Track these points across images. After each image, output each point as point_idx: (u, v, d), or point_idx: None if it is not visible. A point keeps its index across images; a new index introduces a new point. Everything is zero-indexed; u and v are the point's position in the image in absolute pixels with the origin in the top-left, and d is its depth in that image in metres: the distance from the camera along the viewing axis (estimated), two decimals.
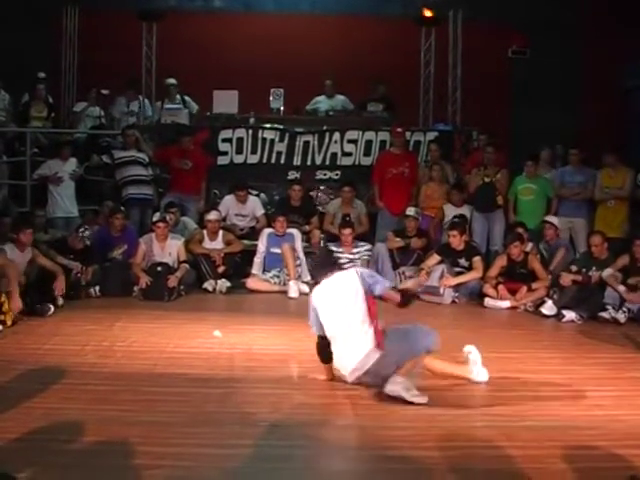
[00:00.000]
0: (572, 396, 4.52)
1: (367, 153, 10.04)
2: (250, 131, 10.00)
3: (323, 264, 5.05)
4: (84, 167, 9.55)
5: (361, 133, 10.06)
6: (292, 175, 9.97)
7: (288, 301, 7.88)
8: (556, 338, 6.57)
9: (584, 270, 7.45)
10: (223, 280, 8.25)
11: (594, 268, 7.42)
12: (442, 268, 8.02)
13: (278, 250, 8.45)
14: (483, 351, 5.65)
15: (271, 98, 10.26)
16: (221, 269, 8.35)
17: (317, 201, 9.92)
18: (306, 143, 10.02)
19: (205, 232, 8.61)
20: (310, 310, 4.64)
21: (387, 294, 4.74)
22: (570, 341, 6.35)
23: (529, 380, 4.84)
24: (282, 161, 10.05)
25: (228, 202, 9.25)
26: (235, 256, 8.59)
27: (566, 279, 7.39)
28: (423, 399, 4.22)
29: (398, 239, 8.66)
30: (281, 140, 10.01)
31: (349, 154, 10.07)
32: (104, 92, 10.85)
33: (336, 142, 10.04)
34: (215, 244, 8.55)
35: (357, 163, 10.08)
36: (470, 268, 8.11)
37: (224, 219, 9.03)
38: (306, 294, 6.91)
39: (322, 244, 8.98)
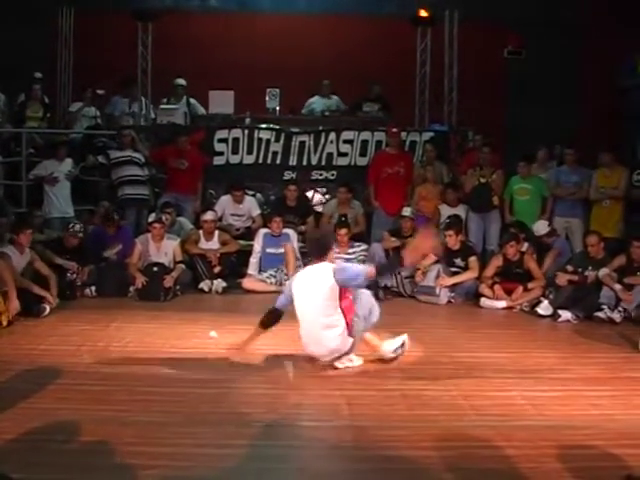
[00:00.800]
0: (568, 396, 4.52)
1: (363, 153, 10.04)
2: (246, 131, 10.00)
3: (319, 246, 5.25)
4: (80, 167, 9.55)
5: (357, 133, 10.06)
6: (288, 175, 9.97)
7: None
8: (552, 338, 6.57)
9: (580, 270, 7.46)
10: (219, 280, 8.25)
11: (590, 268, 7.43)
12: (438, 268, 8.02)
13: (274, 250, 8.46)
14: (479, 351, 5.69)
15: (267, 98, 10.27)
16: (217, 269, 8.35)
17: (313, 201, 9.92)
18: (302, 143, 10.02)
19: (201, 232, 8.61)
20: (283, 293, 5.12)
21: (364, 280, 4.88)
22: (566, 341, 6.35)
23: (525, 380, 4.84)
24: (278, 161, 10.05)
25: (224, 202, 9.25)
26: (231, 256, 8.58)
27: (562, 279, 7.41)
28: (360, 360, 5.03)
29: (394, 239, 8.65)
30: (277, 140, 10.01)
31: (345, 154, 10.07)
32: (100, 92, 10.85)
33: (332, 142, 10.04)
34: (211, 244, 8.55)
35: (353, 163, 10.08)
36: (466, 268, 8.12)
37: (220, 219, 9.03)
38: None
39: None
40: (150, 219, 8.33)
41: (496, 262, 8.01)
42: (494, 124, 11.14)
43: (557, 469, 3.37)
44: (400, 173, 9.42)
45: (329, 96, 11.03)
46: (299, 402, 4.34)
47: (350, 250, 8.51)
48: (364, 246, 8.66)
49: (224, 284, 8.20)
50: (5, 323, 6.03)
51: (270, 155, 10.02)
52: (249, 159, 10.02)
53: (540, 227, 8.30)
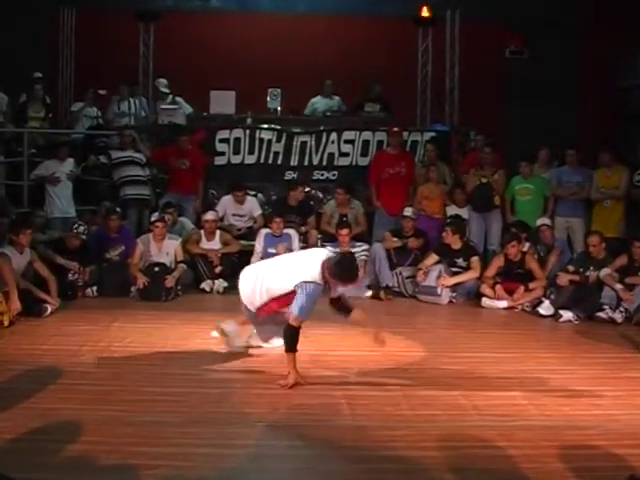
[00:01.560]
0: (569, 396, 4.51)
1: (364, 153, 10.03)
2: (247, 131, 9.99)
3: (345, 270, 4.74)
4: (81, 167, 9.55)
5: (358, 133, 10.06)
6: (289, 175, 9.97)
7: None
8: (553, 338, 6.57)
9: (581, 270, 7.46)
10: (220, 280, 8.25)
11: (591, 268, 7.43)
12: (440, 268, 8.03)
13: (275, 250, 8.44)
14: (481, 351, 5.69)
15: (268, 98, 10.27)
16: (218, 269, 8.35)
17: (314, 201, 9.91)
18: (303, 143, 10.01)
19: (202, 232, 8.61)
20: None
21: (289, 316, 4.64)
22: (567, 341, 6.35)
23: (526, 380, 4.84)
24: (279, 161, 10.04)
25: (225, 202, 9.24)
26: (232, 256, 8.57)
27: (563, 279, 7.40)
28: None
29: (395, 239, 8.66)
30: (278, 140, 10.00)
31: (346, 154, 10.06)
32: (101, 92, 10.85)
33: (333, 142, 10.04)
34: (212, 244, 8.55)
35: (354, 163, 10.07)
36: (468, 268, 8.12)
37: (221, 219, 9.02)
38: None
39: (320, 244, 8.99)
40: (152, 219, 8.34)
41: (497, 262, 8.01)
42: (495, 124, 11.14)
43: (559, 469, 3.36)
44: (401, 173, 9.41)
45: (331, 96, 11.02)
46: (300, 402, 4.33)
47: (351, 250, 8.49)
48: (365, 246, 8.66)
49: (225, 284, 8.19)
50: (6, 323, 6.03)
51: (271, 155, 10.02)
52: (250, 159, 10.02)
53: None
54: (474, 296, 8.01)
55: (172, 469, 3.27)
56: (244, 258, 8.59)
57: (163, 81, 10.74)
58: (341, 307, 4.90)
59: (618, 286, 7.11)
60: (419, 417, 4.07)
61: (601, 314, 7.04)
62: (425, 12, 11.04)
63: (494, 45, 12.10)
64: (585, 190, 8.86)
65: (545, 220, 8.48)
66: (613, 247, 7.77)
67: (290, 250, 8.40)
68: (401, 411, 4.16)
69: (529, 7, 11.60)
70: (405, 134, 9.93)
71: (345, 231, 8.49)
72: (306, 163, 10.03)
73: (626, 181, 8.63)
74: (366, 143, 10.05)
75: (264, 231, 8.65)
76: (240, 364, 5.12)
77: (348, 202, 9.27)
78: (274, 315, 4.93)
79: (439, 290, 7.90)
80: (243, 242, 8.89)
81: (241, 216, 9.25)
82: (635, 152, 10.14)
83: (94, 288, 7.79)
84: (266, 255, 8.45)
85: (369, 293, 8.20)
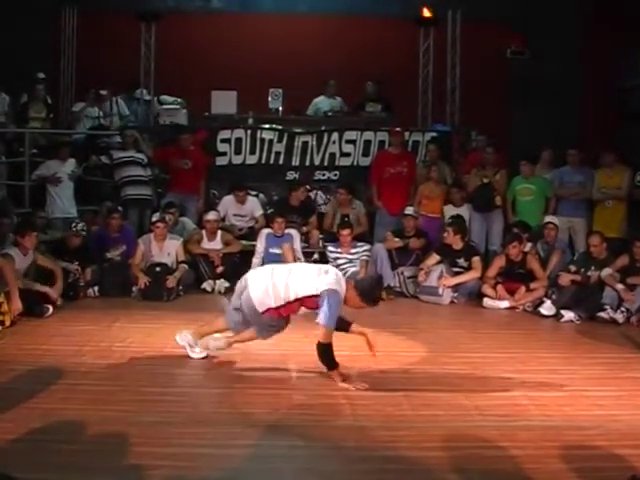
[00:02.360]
0: (571, 396, 4.51)
1: (366, 153, 10.03)
2: (249, 131, 9.99)
3: (370, 289, 4.83)
4: (83, 167, 9.55)
5: (359, 133, 10.05)
6: (291, 175, 9.98)
7: None
8: (555, 338, 6.57)
9: (583, 270, 7.46)
10: (221, 280, 8.24)
11: (593, 268, 7.43)
12: (441, 268, 8.03)
13: (277, 250, 8.46)
14: (482, 351, 5.69)
15: (270, 98, 10.26)
16: (220, 269, 8.35)
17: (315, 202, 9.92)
18: (305, 143, 10.01)
19: (204, 232, 8.61)
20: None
21: (321, 326, 4.59)
22: (569, 341, 6.35)
23: (528, 380, 4.84)
24: (281, 161, 10.04)
25: (227, 202, 9.25)
26: (234, 256, 8.58)
27: (565, 279, 7.40)
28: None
29: (397, 239, 8.65)
30: (280, 140, 10.00)
31: (347, 154, 10.06)
32: (103, 92, 10.85)
33: (334, 142, 10.03)
34: (214, 244, 8.55)
35: (355, 163, 10.06)
36: (469, 268, 8.11)
37: (223, 219, 9.03)
38: None
39: (321, 244, 9.01)
40: (153, 219, 8.34)
41: (499, 262, 8.01)
42: (497, 124, 11.14)
43: (561, 469, 3.36)
44: (403, 173, 9.41)
45: (334, 96, 11.02)
46: (302, 402, 4.33)
47: (353, 250, 8.52)
48: (367, 246, 8.66)
49: (227, 284, 8.17)
50: (8, 323, 6.03)
51: (273, 155, 10.01)
52: (252, 159, 10.02)
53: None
54: (475, 296, 8.00)
55: (174, 469, 3.27)
56: (245, 258, 8.62)
57: (168, 98, 10.69)
58: (340, 323, 4.84)
59: (619, 286, 7.11)
60: (420, 417, 4.06)
61: (602, 314, 7.04)
62: (426, 12, 11.03)
63: (495, 45, 12.08)
64: (587, 190, 8.85)
65: (553, 219, 8.46)
66: (615, 247, 7.77)
67: (294, 249, 8.42)
68: (402, 411, 4.16)
69: (530, 7, 11.60)
70: (406, 134, 9.93)
71: (346, 231, 8.49)
72: (307, 163, 10.03)
73: (628, 181, 8.64)
74: (367, 143, 10.04)
75: (265, 231, 8.65)
76: (241, 364, 5.12)
77: (350, 202, 9.28)
78: (277, 319, 4.89)
79: (440, 290, 7.90)
80: (244, 242, 8.89)
81: (242, 216, 9.25)
82: (637, 152, 10.12)
83: (95, 288, 7.80)
84: (267, 255, 8.48)
85: None
